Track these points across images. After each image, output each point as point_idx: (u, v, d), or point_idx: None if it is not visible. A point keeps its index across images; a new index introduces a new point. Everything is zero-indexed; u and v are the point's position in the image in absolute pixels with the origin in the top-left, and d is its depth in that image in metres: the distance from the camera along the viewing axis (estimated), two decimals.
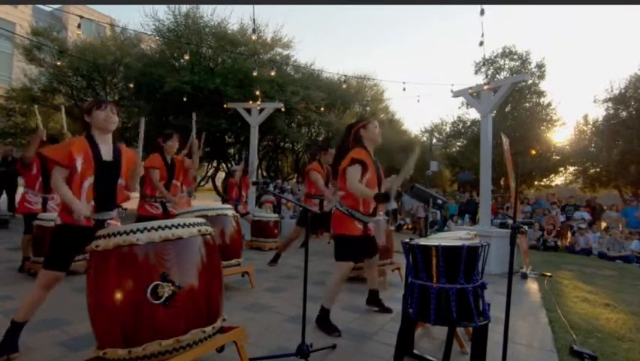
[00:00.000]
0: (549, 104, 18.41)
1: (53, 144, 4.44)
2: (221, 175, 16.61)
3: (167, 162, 4.09)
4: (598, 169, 16.77)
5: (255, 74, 7.97)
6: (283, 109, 9.27)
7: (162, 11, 16.75)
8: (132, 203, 2.70)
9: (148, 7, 11.42)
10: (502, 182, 16.50)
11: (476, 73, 19.04)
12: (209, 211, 3.74)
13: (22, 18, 23.28)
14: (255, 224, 6.86)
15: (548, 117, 18.32)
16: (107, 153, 2.32)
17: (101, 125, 2.29)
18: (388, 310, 3.42)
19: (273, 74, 8.74)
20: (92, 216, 2.25)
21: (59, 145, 2.34)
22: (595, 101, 16.85)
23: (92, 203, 2.24)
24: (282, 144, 15.71)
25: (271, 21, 20.10)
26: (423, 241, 2.17)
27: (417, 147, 3.11)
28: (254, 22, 6.32)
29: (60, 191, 2.15)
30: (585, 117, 17.66)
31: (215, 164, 15.11)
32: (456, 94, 6.85)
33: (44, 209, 4.41)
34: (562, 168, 18.38)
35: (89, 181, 2.22)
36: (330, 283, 2.94)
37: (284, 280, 4.56)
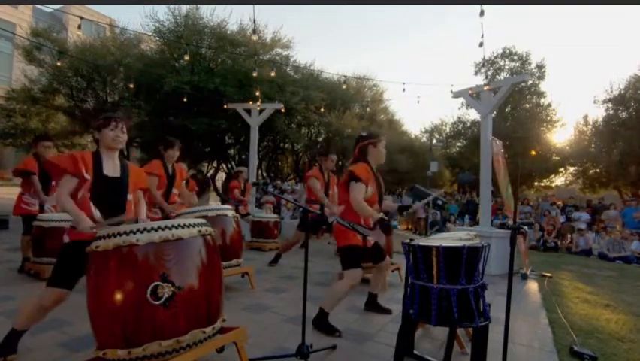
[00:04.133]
0: (549, 105, 18.42)
1: (46, 140, 4.45)
2: (221, 176, 16.61)
3: (168, 171, 4.02)
4: (598, 170, 16.76)
5: (254, 74, 7.97)
6: (283, 110, 9.27)
7: (162, 12, 16.79)
8: None
9: (148, 8, 11.45)
10: None
11: (476, 74, 19.07)
12: (209, 212, 3.74)
13: (22, 19, 23.32)
14: (255, 225, 6.86)
15: (548, 118, 18.33)
16: (112, 169, 2.30)
17: (110, 144, 2.28)
18: (387, 312, 3.42)
19: (272, 74, 8.74)
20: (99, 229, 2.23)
21: (65, 154, 2.33)
22: (595, 102, 16.86)
23: (99, 215, 2.20)
24: (281, 144, 15.71)
25: (271, 21, 20.17)
26: (423, 242, 2.17)
27: (433, 195, 3.27)
28: (254, 22, 6.32)
29: (66, 207, 2.11)
30: (585, 118, 17.66)
31: (215, 164, 15.10)
32: (456, 94, 6.85)
33: (41, 210, 4.41)
34: (562, 169, 18.38)
35: (86, 194, 2.19)
36: (337, 289, 2.89)
37: (284, 280, 4.56)
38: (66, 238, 2.24)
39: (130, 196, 2.37)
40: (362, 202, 2.84)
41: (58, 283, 2.16)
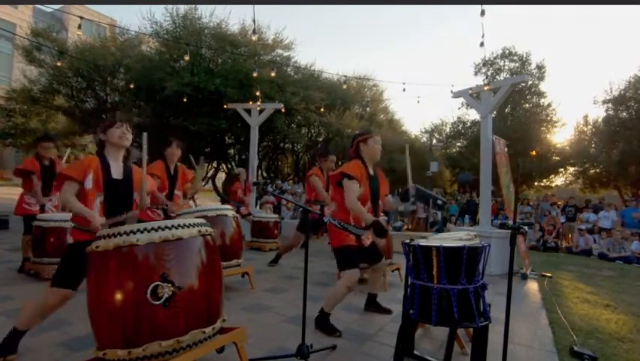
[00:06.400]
0: (549, 105, 18.44)
1: (47, 141, 4.45)
2: (221, 176, 16.61)
3: (170, 171, 3.90)
4: (598, 170, 16.78)
5: (255, 74, 7.97)
6: (283, 110, 9.26)
7: (160, 13, 16.77)
8: None
9: (145, 9, 11.45)
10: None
11: (476, 74, 19.09)
12: (209, 212, 3.73)
13: (22, 19, 23.33)
14: (255, 225, 6.86)
15: (548, 118, 18.34)
16: (117, 171, 2.36)
17: (116, 141, 2.35)
18: (388, 312, 3.42)
19: (273, 74, 8.73)
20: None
21: (75, 163, 2.40)
22: (595, 102, 16.89)
23: (104, 219, 2.24)
24: (282, 144, 15.71)
25: (273, 22, 20.18)
26: (423, 242, 2.17)
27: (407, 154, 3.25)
28: (254, 22, 6.31)
29: (71, 205, 2.17)
30: (585, 118, 17.71)
31: (215, 165, 15.11)
32: (456, 95, 6.85)
33: (42, 210, 4.41)
34: (562, 169, 18.40)
35: (100, 198, 2.26)
36: (336, 290, 2.88)
37: (284, 280, 4.56)
38: (70, 239, 2.29)
39: (136, 195, 2.43)
40: (356, 202, 2.81)
41: (62, 284, 2.19)
